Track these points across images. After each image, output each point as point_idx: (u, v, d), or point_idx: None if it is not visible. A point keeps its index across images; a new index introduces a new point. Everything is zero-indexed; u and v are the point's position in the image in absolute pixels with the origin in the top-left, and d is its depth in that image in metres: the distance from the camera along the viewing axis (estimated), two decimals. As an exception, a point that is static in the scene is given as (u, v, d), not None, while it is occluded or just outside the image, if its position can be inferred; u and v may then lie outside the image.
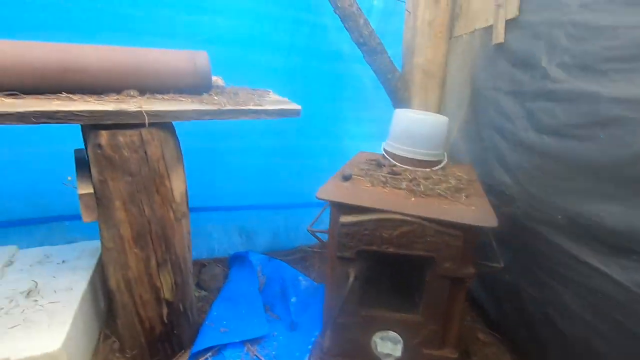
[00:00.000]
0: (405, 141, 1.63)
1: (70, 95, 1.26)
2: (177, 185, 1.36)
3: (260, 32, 2.12)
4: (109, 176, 1.21)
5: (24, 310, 1.37)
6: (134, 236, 1.31)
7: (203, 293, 1.96)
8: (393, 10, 2.29)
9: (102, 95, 1.32)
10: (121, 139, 1.18)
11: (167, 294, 1.44)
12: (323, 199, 1.33)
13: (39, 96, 1.23)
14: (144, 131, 1.21)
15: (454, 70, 2.06)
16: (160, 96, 1.39)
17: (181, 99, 1.39)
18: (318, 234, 1.51)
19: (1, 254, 1.68)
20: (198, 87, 1.47)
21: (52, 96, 1.25)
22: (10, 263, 1.65)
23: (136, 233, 1.31)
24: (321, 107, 2.31)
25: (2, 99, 1.15)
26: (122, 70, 1.33)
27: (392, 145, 1.69)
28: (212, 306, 1.75)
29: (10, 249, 1.74)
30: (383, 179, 1.50)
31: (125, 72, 1.33)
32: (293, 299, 1.79)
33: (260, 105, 1.37)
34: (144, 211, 1.29)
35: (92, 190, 1.19)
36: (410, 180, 1.49)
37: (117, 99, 1.32)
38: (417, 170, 1.61)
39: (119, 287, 1.37)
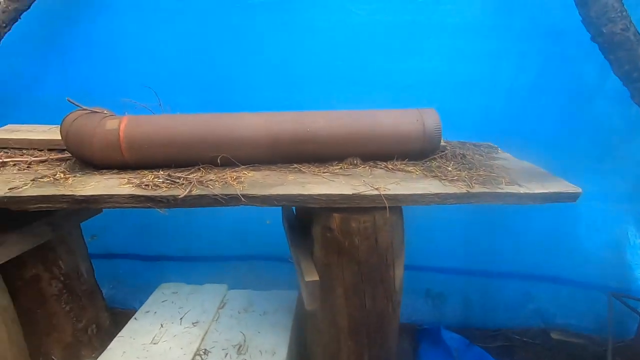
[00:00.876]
0: None
1: (299, 166, 1.21)
2: (399, 273, 1.15)
3: (475, 71, 1.79)
4: (334, 261, 1.08)
5: (236, 371, 1.39)
6: (350, 328, 1.15)
7: (390, 371, 1.72)
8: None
9: (326, 164, 1.24)
10: (353, 224, 1.03)
11: (373, 393, 1.25)
12: None
13: (272, 167, 1.21)
14: (377, 216, 1.03)
15: None
16: (383, 164, 1.23)
17: (408, 168, 1.19)
18: None
19: (215, 294, 1.83)
20: (425, 151, 1.24)
21: (283, 167, 1.22)
22: (223, 305, 1.77)
23: (353, 325, 1.15)
24: (546, 154, 1.82)
25: (245, 172, 1.16)
26: (347, 137, 1.21)
27: None
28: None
29: (222, 288, 1.88)
30: None
31: (351, 139, 1.21)
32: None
33: (519, 186, 1.04)
34: (365, 303, 1.12)
35: (317, 278, 1.07)
36: None
37: (341, 168, 1.22)
38: None
39: (325, 375, 1.24)
